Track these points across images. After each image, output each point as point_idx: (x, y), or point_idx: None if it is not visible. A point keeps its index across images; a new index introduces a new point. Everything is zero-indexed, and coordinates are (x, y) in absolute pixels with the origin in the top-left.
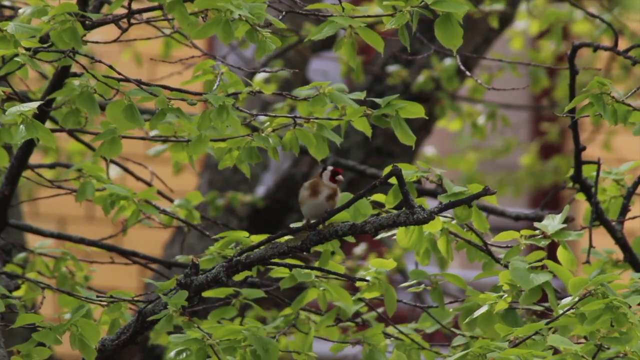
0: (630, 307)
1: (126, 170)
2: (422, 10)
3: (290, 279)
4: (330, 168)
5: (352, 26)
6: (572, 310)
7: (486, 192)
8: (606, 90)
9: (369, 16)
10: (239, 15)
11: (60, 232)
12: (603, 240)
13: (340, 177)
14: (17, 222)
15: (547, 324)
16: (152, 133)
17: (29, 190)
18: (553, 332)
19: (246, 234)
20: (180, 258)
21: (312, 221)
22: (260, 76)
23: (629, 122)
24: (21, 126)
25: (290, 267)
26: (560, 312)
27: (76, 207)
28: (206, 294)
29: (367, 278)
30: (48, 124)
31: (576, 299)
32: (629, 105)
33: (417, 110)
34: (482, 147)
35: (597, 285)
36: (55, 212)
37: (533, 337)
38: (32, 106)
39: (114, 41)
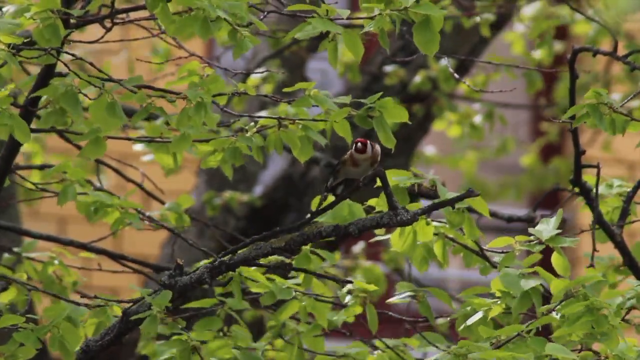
0: (625, 312)
1: (116, 171)
2: (402, 14)
3: (270, 296)
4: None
5: (331, 30)
6: (556, 314)
7: (470, 194)
8: (602, 100)
9: (349, 18)
10: (218, 15)
11: (50, 234)
12: (603, 245)
13: (359, 144)
14: (5, 223)
15: (527, 325)
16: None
17: (27, 191)
18: (535, 335)
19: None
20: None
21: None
22: (257, 77)
23: (628, 131)
24: None
25: (273, 268)
26: (544, 315)
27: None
28: (191, 305)
29: (350, 279)
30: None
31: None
32: (626, 115)
33: (401, 115)
34: (481, 146)
35: (578, 286)
36: (55, 213)
37: (516, 340)
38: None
39: (97, 41)
